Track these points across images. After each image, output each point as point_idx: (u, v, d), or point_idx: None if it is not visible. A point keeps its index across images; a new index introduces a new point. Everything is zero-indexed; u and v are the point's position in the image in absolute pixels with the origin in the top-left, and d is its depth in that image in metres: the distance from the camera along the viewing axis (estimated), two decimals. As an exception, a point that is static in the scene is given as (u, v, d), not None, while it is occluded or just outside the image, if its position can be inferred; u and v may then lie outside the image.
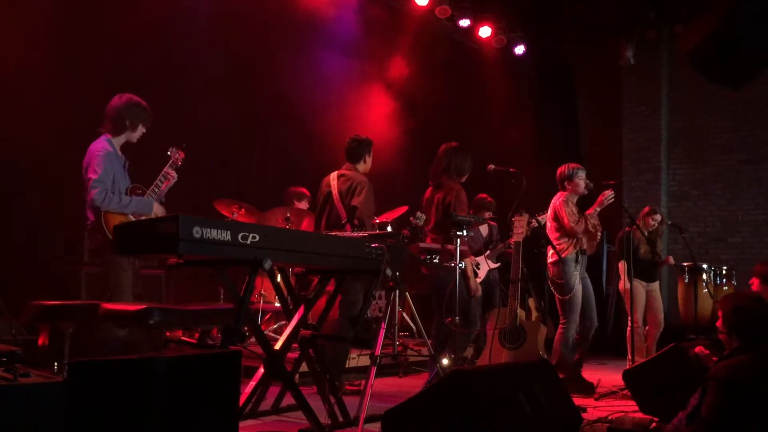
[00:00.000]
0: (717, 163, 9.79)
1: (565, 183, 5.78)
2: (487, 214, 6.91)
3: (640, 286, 6.66)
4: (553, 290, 5.62)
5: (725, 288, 7.19)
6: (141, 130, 4.45)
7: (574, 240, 5.61)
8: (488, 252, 6.69)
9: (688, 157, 9.99)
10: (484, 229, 6.84)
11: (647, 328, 6.83)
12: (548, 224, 5.78)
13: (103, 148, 4.26)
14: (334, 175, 5.31)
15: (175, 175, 4.46)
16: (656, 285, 6.85)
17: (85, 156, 4.29)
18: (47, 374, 2.54)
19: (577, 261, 5.61)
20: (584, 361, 5.82)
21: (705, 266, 7.35)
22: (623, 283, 6.69)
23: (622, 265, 6.69)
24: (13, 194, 5.44)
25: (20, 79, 5.32)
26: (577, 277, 5.59)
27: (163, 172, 4.43)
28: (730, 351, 3.31)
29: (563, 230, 5.63)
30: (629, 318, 6.53)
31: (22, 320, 4.54)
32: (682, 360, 4.22)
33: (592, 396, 5.32)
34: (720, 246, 9.61)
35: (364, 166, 5.36)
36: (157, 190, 4.40)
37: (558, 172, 5.86)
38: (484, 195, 7.00)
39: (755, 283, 5.11)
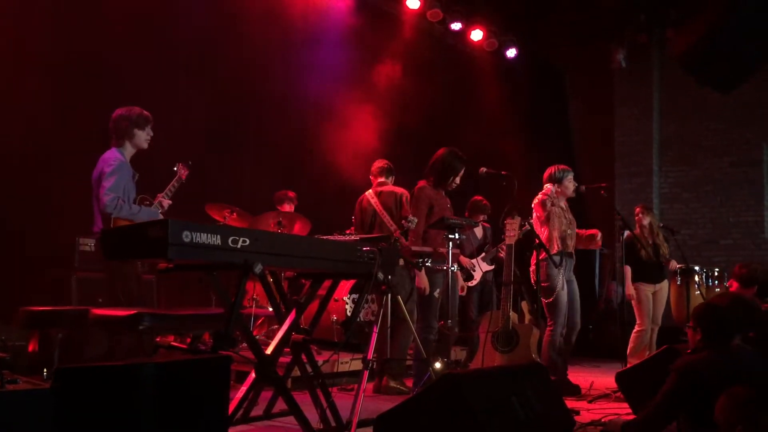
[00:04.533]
0: (708, 165, 9.84)
1: (555, 185, 5.74)
2: (482, 217, 6.93)
3: (646, 290, 6.66)
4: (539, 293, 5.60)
5: (717, 290, 7.19)
6: (141, 134, 4.48)
7: (557, 242, 5.55)
8: (483, 254, 6.69)
9: (679, 159, 10.04)
10: (478, 232, 6.85)
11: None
12: (535, 226, 5.71)
13: (116, 158, 4.35)
14: (371, 193, 5.77)
15: (166, 205, 4.61)
16: (665, 284, 6.84)
17: (96, 165, 4.37)
18: (36, 381, 2.52)
19: (560, 264, 5.52)
20: (568, 363, 5.78)
21: (697, 268, 7.35)
22: (629, 289, 6.67)
23: (627, 271, 6.64)
24: (2, 199, 5.39)
25: (13, 84, 5.28)
26: (560, 279, 5.56)
27: (158, 202, 4.55)
28: (695, 347, 3.34)
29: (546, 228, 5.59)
30: (637, 322, 6.56)
31: (12, 326, 4.52)
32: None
33: (584, 399, 5.31)
34: (712, 248, 9.65)
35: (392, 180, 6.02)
36: (158, 209, 4.53)
37: (546, 173, 5.83)
38: (480, 197, 7.01)
39: (734, 286, 5.05)
